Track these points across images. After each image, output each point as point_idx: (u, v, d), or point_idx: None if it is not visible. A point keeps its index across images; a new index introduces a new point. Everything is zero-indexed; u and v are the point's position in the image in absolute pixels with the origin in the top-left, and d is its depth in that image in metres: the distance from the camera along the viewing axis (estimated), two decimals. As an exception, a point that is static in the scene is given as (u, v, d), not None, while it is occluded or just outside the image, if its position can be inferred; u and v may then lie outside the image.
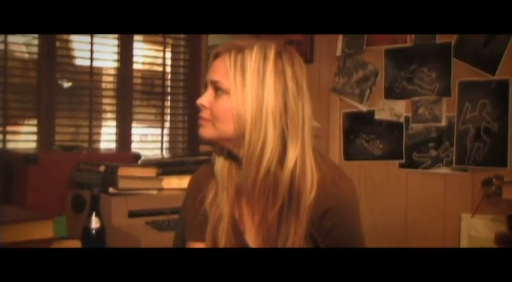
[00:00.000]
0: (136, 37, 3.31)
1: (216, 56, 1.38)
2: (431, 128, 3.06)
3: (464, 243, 2.91)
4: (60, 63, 3.07)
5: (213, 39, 3.45)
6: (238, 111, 1.31)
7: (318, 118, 1.41)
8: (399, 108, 3.17)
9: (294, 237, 1.33)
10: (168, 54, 3.55)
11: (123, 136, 3.28)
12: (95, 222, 1.78)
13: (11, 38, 2.84)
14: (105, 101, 3.32)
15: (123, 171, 2.34)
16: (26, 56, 3.02)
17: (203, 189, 1.46)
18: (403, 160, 3.16)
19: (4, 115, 2.84)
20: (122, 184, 2.29)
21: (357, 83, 3.33)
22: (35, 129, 2.96)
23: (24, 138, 2.96)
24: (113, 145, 3.27)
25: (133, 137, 3.34)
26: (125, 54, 3.26)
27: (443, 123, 3.01)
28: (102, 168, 2.37)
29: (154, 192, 2.41)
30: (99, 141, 3.28)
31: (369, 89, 3.28)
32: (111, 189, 2.29)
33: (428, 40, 3.05)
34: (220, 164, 1.43)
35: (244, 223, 1.43)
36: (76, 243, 1.89)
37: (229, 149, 1.39)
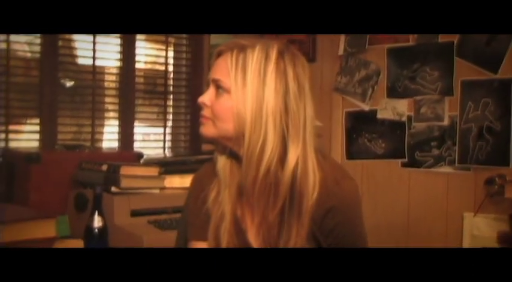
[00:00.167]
0: (139, 36, 3.32)
1: (219, 54, 1.38)
2: (434, 127, 3.05)
3: (466, 243, 2.90)
4: (63, 63, 3.07)
5: (215, 38, 3.45)
6: (238, 111, 1.31)
7: (320, 117, 1.41)
8: (401, 108, 3.16)
9: (296, 239, 1.33)
10: (171, 54, 3.55)
11: (126, 135, 3.28)
12: (97, 221, 1.78)
13: (14, 37, 2.85)
14: (107, 100, 3.32)
15: (125, 170, 2.34)
16: (29, 55, 3.02)
17: (205, 188, 1.46)
18: (406, 159, 3.16)
19: (6, 114, 2.85)
20: (124, 183, 2.30)
21: (359, 82, 3.33)
22: (37, 128, 2.97)
23: (26, 137, 2.96)
24: (115, 144, 3.27)
25: (136, 136, 3.34)
26: (128, 54, 3.26)
27: (446, 122, 3.01)
28: (104, 167, 2.38)
29: (157, 191, 2.41)
30: (101, 140, 3.28)
31: (371, 88, 3.28)
32: (113, 188, 2.29)
33: (431, 39, 3.05)
34: (222, 162, 1.42)
35: (247, 222, 1.43)
36: (78, 242, 1.89)
37: (230, 148, 1.39)
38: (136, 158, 2.74)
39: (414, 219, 3.12)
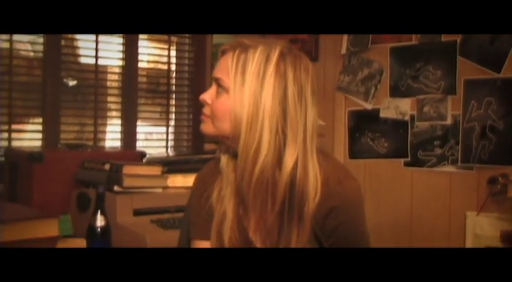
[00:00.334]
0: (141, 36, 3.32)
1: (223, 53, 1.38)
2: (437, 126, 3.05)
3: (469, 242, 2.90)
4: (65, 62, 3.07)
5: (218, 37, 3.46)
6: (235, 111, 1.30)
7: (323, 116, 1.41)
8: (404, 107, 3.16)
9: (297, 243, 1.32)
10: (173, 53, 3.55)
11: (128, 134, 3.28)
12: (100, 221, 1.78)
13: (16, 37, 2.85)
14: (110, 99, 3.32)
15: (128, 169, 2.34)
16: (31, 54, 3.02)
17: (208, 187, 1.46)
18: (408, 158, 3.16)
19: (9, 113, 2.85)
20: (127, 182, 2.30)
21: (362, 81, 3.32)
22: (40, 127, 2.97)
23: (29, 136, 2.97)
24: (117, 143, 3.27)
25: (138, 135, 3.35)
26: (130, 53, 3.26)
27: (449, 121, 3.00)
28: (107, 166, 2.38)
29: (159, 190, 2.41)
30: (104, 139, 3.28)
31: (374, 87, 3.28)
32: (116, 188, 2.29)
33: (434, 38, 3.04)
34: (225, 159, 1.42)
35: (249, 219, 1.43)
36: (81, 242, 1.89)
37: (232, 146, 1.38)
38: (139, 157, 2.74)
39: (417, 219, 3.12)
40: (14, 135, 2.88)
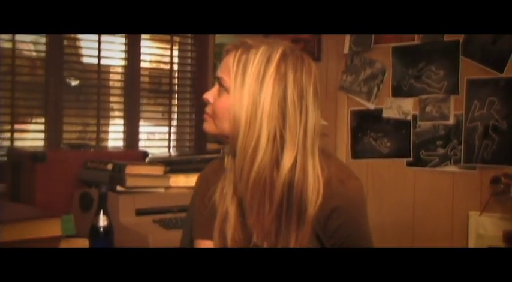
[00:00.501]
0: (144, 35, 3.32)
1: (227, 52, 1.38)
2: (439, 126, 3.05)
3: (472, 242, 2.90)
4: (68, 62, 3.07)
5: (220, 37, 3.45)
6: (234, 111, 1.30)
7: (326, 116, 1.41)
8: (407, 106, 3.16)
9: (295, 246, 1.32)
10: (176, 53, 3.55)
11: (131, 134, 3.28)
12: (102, 221, 1.78)
13: (19, 37, 2.85)
14: (112, 99, 3.32)
15: (130, 169, 2.34)
16: (34, 54, 3.02)
17: (211, 186, 1.46)
18: (411, 158, 3.16)
19: (12, 113, 2.85)
20: (130, 182, 2.30)
21: (364, 81, 3.32)
22: (42, 127, 2.97)
23: (32, 136, 2.97)
24: (120, 143, 3.27)
25: (141, 135, 3.35)
26: (133, 53, 3.27)
27: (451, 121, 3.00)
28: (109, 166, 2.38)
29: (162, 190, 2.41)
30: (106, 139, 3.28)
31: (377, 87, 3.27)
32: (118, 188, 2.29)
33: (436, 38, 3.04)
34: (228, 158, 1.43)
35: (251, 218, 1.42)
36: (84, 242, 1.89)
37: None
38: (142, 157, 2.74)
39: (419, 219, 3.12)
40: (16, 135, 2.88)
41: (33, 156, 2.41)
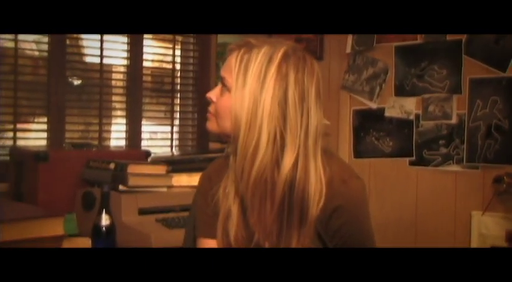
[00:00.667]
0: (146, 35, 3.32)
1: (230, 51, 1.39)
2: (442, 126, 3.04)
3: (474, 241, 2.89)
4: (70, 61, 3.07)
5: (222, 37, 3.46)
6: (235, 111, 1.31)
7: (328, 116, 1.40)
8: (409, 106, 3.16)
9: (297, 246, 1.32)
10: (178, 52, 3.55)
11: (133, 133, 3.28)
12: (105, 220, 1.79)
13: (22, 36, 2.85)
14: (115, 98, 3.33)
15: (133, 168, 2.34)
16: (36, 53, 3.03)
17: (214, 185, 1.46)
18: (413, 158, 3.15)
19: (15, 113, 2.85)
20: (132, 181, 2.30)
21: (366, 80, 3.32)
22: (45, 126, 2.97)
23: (34, 135, 2.97)
24: (122, 142, 3.28)
25: (143, 135, 3.35)
26: (135, 52, 3.27)
27: (454, 120, 3.00)
28: (112, 165, 2.38)
29: (164, 189, 2.41)
30: (109, 138, 3.29)
31: (379, 86, 3.27)
32: (121, 187, 2.29)
33: (439, 37, 3.04)
34: (231, 157, 1.43)
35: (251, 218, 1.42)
36: (86, 241, 1.89)
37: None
38: (144, 157, 2.74)
39: (422, 218, 3.11)
40: (19, 134, 2.88)
41: (36, 156, 2.42)
